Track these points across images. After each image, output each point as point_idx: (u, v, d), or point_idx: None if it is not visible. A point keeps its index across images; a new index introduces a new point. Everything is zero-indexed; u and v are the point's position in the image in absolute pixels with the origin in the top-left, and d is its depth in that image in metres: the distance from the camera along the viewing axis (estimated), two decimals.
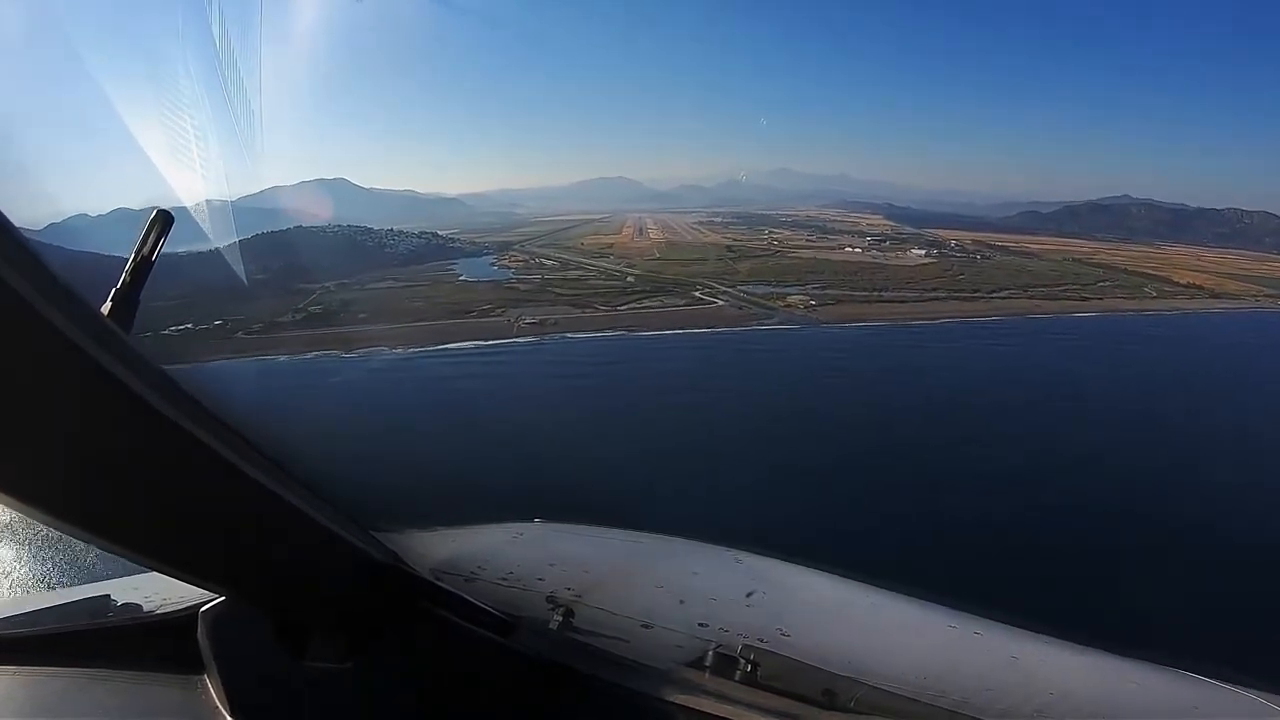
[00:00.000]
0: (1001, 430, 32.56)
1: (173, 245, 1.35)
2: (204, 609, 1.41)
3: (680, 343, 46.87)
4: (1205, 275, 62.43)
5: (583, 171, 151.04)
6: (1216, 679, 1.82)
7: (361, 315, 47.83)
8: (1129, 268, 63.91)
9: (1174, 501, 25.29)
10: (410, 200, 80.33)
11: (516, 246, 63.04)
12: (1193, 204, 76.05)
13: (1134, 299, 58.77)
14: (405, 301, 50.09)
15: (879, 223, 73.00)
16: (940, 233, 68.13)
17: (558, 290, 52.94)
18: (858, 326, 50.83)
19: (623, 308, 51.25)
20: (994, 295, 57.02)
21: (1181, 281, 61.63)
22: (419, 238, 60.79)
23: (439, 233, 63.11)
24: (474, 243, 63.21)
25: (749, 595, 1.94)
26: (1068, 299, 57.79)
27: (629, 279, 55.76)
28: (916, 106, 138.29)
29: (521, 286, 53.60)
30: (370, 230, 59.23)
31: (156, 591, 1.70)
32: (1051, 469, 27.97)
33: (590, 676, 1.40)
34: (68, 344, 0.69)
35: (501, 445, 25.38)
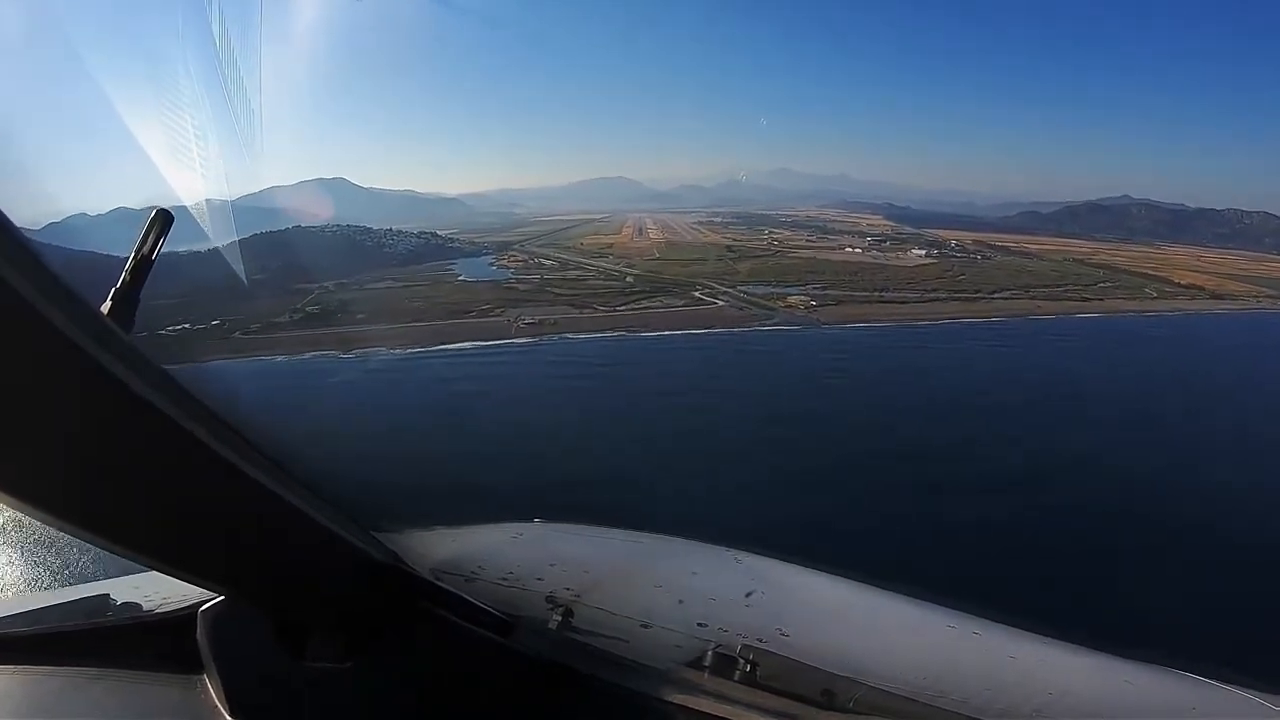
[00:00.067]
0: (1003, 431, 32.57)
1: (172, 244, 1.35)
2: (203, 608, 1.41)
3: (680, 343, 46.82)
4: (1205, 276, 62.51)
5: (582, 171, 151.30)
6: (1215, 679, 1.82)
7: (360, 315, 47.82)
8: (1129, 268, 64.01)
9: (1176, 502, 25.30)
10: (410, 200, 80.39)
11: (516, 246, 63.07)
12: (1192, 204, 76.28)
13: (1135, 299, 58.85)
14: (404, 301, 50.10)
15: (879, 223, 73.05)
16: (940, 233, 68.19)
17: (557, 290, 52.95)
18: (858, 327, 50.82)
19: (622, 308, 51.25)
20: (995, 296, 57.08)
21: (1182, 282, 61.71)
22: (418, 238, 60.80)
23: (438, 233, 63.14)
24: (473, 243, 63.24)
25: (748, 595, 1.94)
26: (1069, 299, 57.86)
27: (628, 279, 55.77)
28: (916, 106, 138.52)
29: (520, 286, 53.62)
30: (369, 230, 59.24)
31: (156, 591, 1.70)
32: (1053, 470, 27.95)
33: (589, 676, 1.40)
34: (68, 343, 0.69)
35: (499, 447, 25.38)
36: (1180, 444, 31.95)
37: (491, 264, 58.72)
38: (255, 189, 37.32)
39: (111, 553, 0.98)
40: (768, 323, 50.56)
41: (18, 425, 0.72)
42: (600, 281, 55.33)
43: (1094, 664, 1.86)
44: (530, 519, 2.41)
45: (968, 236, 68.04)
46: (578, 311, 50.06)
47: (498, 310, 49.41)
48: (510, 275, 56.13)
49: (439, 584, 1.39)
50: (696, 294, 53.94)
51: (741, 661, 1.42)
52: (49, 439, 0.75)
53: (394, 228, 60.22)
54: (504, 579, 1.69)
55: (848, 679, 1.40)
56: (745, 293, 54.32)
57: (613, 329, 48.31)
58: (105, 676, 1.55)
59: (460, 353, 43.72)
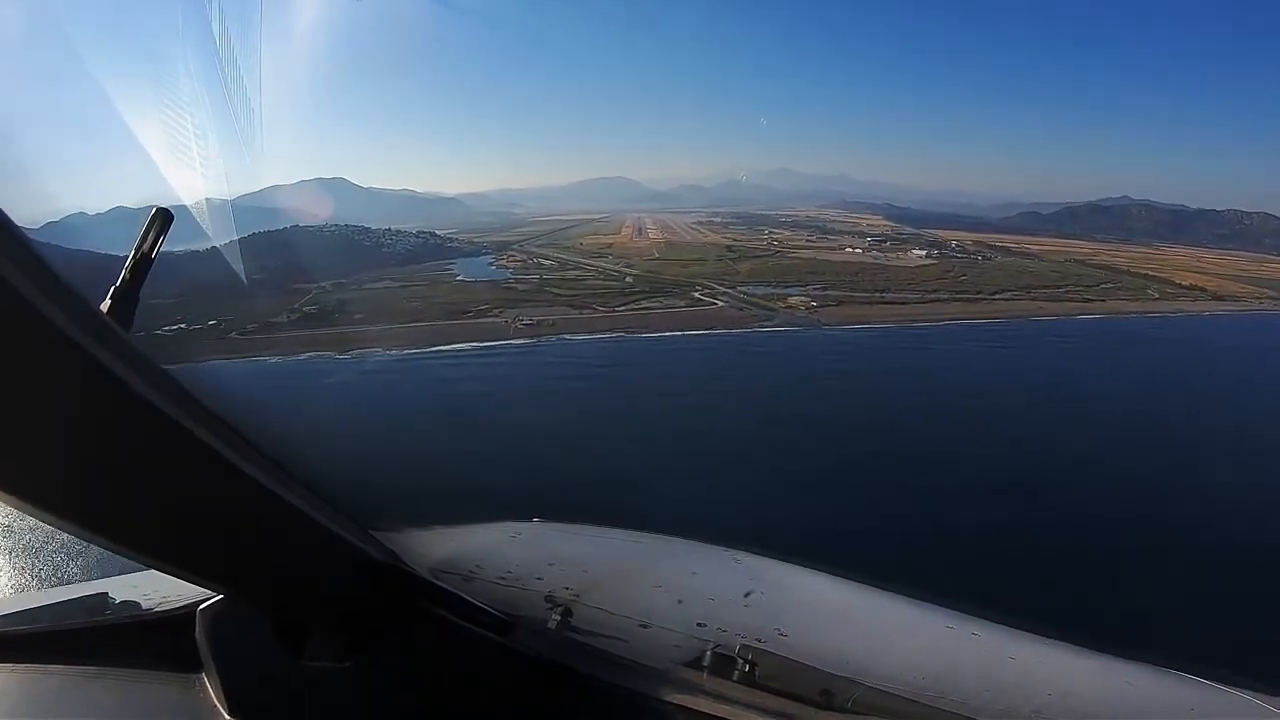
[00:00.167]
0: (1005, 433, 32.55)
1: (170, 244, 1.35)
2: (202, 607, 1.41)
3: (680, 344, 46.72)
4: (1206, 277, 62.54)
5: (582, 171, 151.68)
6: (1215, 680, 1.82)
7: (357, 316, 47.71)
8: (1131, 269, 64.00)
9: (1178, 504, 25.29)
10: (409, 200, 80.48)
11: (515, 246, 63.10)
12: (1192, 205, 76.38)
13: (1137, 301, 58.86)
14: (402, 302, 50.07)
15: (879, 223, 73.09)
16: (940, 233, 68.20)
17: (556, 291, 52.90)
18: (859, 328, 50.77)
19: (621, 309, 51.19)
20: (996, 297, 57.06)
21: (1183, 283, 61.73)
22: (417, 237, 60.82)
23: (437, 232, 63.18)
24: (472, 242, 63.26)
25: (747, 595, 1.94)
26: (1070, 300, 57.86)
27: (628, 279, 55.75)
28: (916, 106, 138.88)
29: (519, 287, 53.61)
30: (368, 230, 59.25)
31: (155, 589, 1.70)
32: (1055, 472, 27.97)
33: (588, 676, 1.40)
34: (68, 342, 0.69)
35: (496, 450, 25.27)
36: (1183, 445, 31.96)
37: (490, 264, 58.75)
38: (254, 188, 37.32)
39: (110, 551, 0.98)
40: (768, 324, 50.53)
41: (17, 424, 0.72)
42: (599, 282, 55.31)
43: (1094, 665, 1.86)
44: (529, 519, 2.41)
45: (968, 237, 68.08)
46: (577, 312, 50.03)
47: (496, 311, 49.33)
48: (509, 275, 56.16)
49: (438, 583, 1.39)
50: (696, 294, 53.92)
51: (740, 661, 1.42)
52: (48, 437, 0.75)
53: (392, 227, 60.25)
54: (503, 578, 1.68)
55: (846, 679, 1.40)
56: (745, 293, 54.30)
57: (612, 330, 48.25)
58: (104, 675, 1.55)
59: (457, 354, 43.63)
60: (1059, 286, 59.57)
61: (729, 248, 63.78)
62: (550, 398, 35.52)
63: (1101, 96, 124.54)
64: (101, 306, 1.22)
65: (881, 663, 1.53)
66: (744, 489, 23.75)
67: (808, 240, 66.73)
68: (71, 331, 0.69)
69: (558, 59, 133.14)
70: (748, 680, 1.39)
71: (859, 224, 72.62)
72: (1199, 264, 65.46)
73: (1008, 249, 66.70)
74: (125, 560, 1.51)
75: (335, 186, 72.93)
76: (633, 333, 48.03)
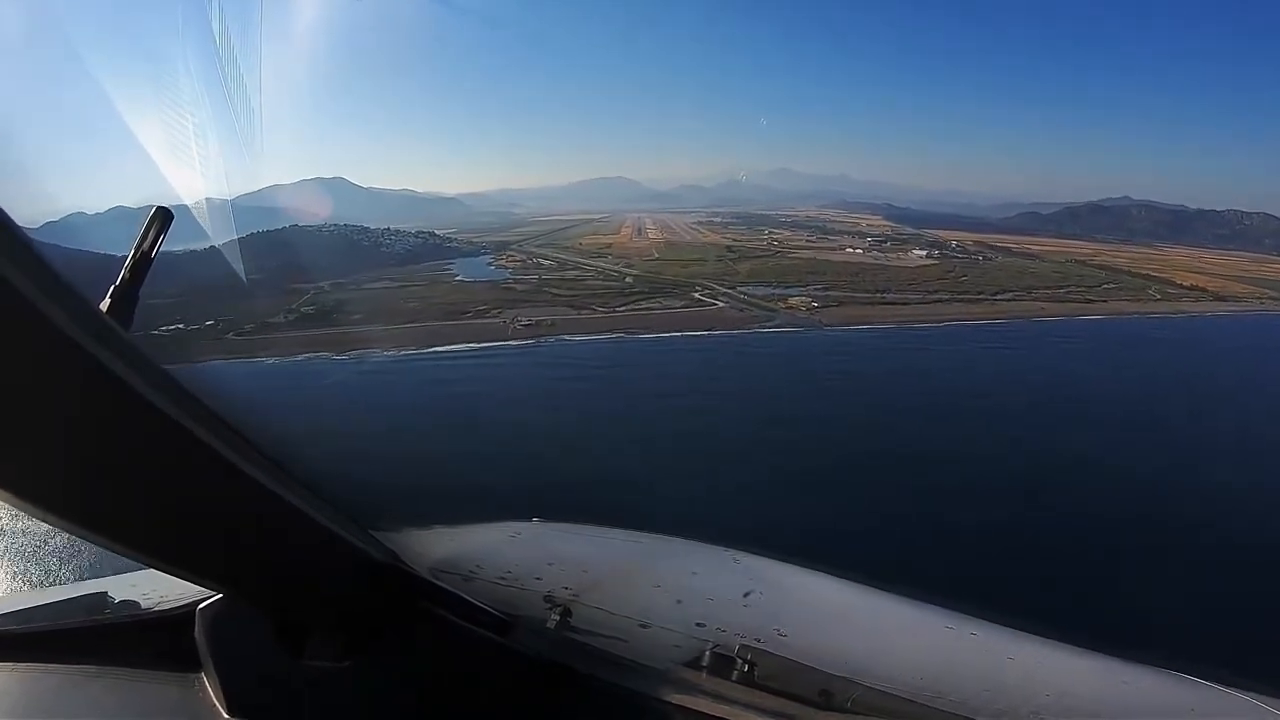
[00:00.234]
0: (1006, 434, 32.48)
1: (169, 244, 1.35)
2: (201, 607, 1.41)
3: (680, 345, 46.56)
4: (1208, 277, 62.49)
5: (582, 171, 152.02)
6: (1214, 681, 1.82)
7: (355, 316, 47.55)
8: (1132, 270, 63.92)
9: (1179, 505, 25.26)
10: (408, 199, 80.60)
11: (514, 246, 63.07)
12: (1193, 205, 76.41)
13: (1139, 301, 58.81)
14: (400, 302, 49.98)
15: (879, 223, 73.11)
16: (940, 233, 68.17)
17: (555, 291, 52.80)
18: (861, 329, 50.55)
19: (621, 309, 51.05)
20: (997, 297, 56.95)
21: (1185, 284, 61.65)
22: (416, 237, 60.78)
23: (436, 232, 63.16)
24: (471, 242, 63.25)
25: (746, 595, 1.94)
26: (1072, 301, 57.74)
27: (627, 279, 55.67)
28: (916, 106, 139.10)
29: (518, 287, 53.52)
30: (367, 229, 59.23)
31: (154, 588, 1.70)
32: (1057, 473, 27.93)
33: (587, 676, 1.40)
34: (68, 341, 0.69)
35: (494, 452, 25.19)
36: (1185, 446, 31.89)
37: (489, 264, 58.71)
38: (254, 188, 37.32)
39: (110, 550, 0.98)
40: (769, 324, 50.33)
41: (17, 423, 0.72)
42: (599, 282, 55.21)
43: (1093, 665, 1.86)
44: (528, 519, 2.41)
45: (968, 237, 68.09)
46: (576, 312, 49.85)
47: (495, 311, 49.18)
48: (508, 275, 56.11)
49: (437, 583, 1.39)
50: (696, 295, 53.80)
51: (739, 661, 1.42)
52: (48, 436, 0.75)
53: (391, 227, 60.20)
54: (502, 578, 1.68)
55: (845, 679, 1.40)
56: (745, 293, 54.20)
57: (611, 330, 48.10)
58: (103, 674, 1.55)
59: (455, 354, 43.41)
60: (1060, 287, 59.45)
61: (729, 248, 63.76)
62: (549, 399, 35.44)
63: (1101, 96, 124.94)
64: (101, 306, 1.22)
65: (880, 663, 1.53)
66: (744, 489, 23.72)
67: (808, 240, 66.72)
68: (72, 331, 0.69)
69: (558, 59, 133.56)
70: (747, 680, 1.38)
71: (859, 224, 72.63)
72: (1200, 264, 65.43)
73: (1008, 249, 66.68)
74: (124, 559, 1.51)
75: (335, 186, 73.10)
76: (632, 333, 47.85)
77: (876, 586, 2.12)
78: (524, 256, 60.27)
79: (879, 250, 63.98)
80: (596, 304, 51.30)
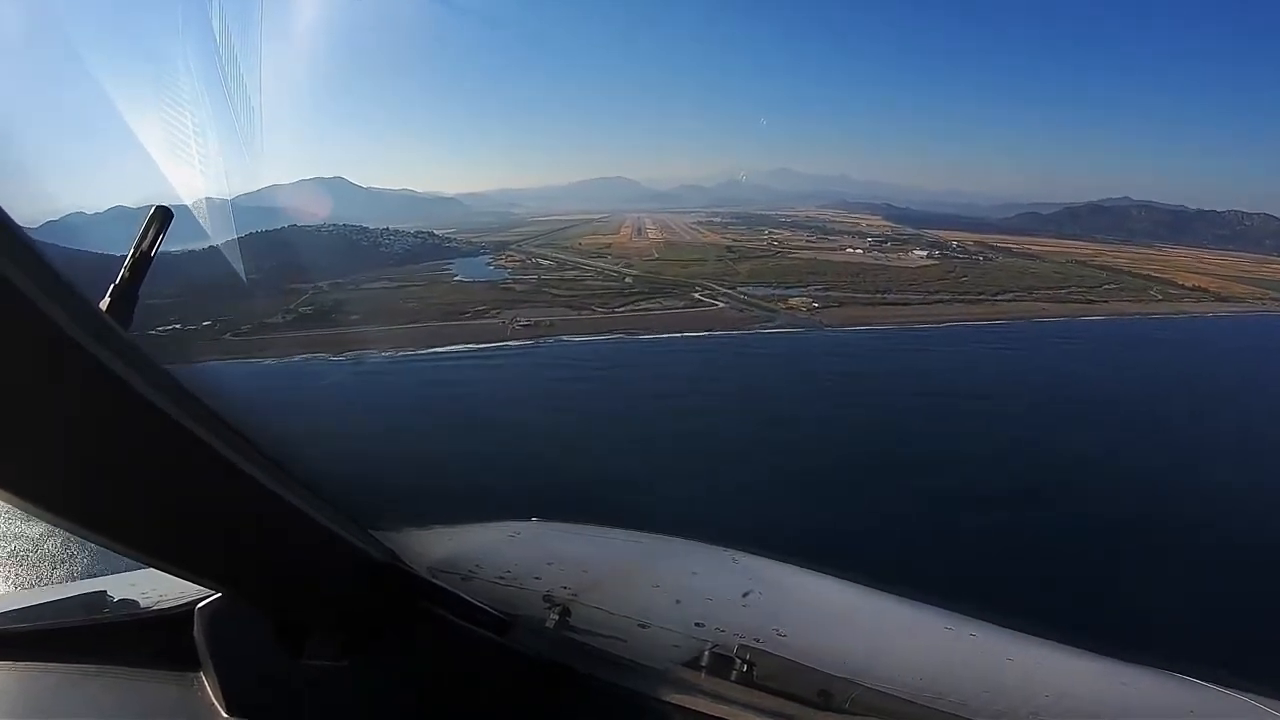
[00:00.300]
0: (1007, 434, 32.41)
1: (168, 243, 1.34)
2: (200, 606, 1.41)
3: (680, 346, 46.36)
4: (1209, 278, 62.30)
5: (582, 171, 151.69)
6: (1214, 682, 1.82)
7: (353, 317, 47.33)
8: (1133, 270, 63.75)
9: (1180, 506, 25.22)
10: (408, 199, 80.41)
11: (513, 246, 62.92)
12: (1193, 206, 76.30)
13: (1140, 302, 58.61)
14: (398, 302, 49.78)
15: (878, 223, 73.01)
16: (940, 234, 68.11)
17: (554, 291, 52.64)
18: (862, 330, 50.32)
19: (620, 309, 50.85)
20: (999, 298, 56.78)
21: (1187, 284, 61.47)
22: (415, 237, 60.64)
23: (435, 232, 62.99)
24: (471, 242, 63.10)
25: (745, 595, 1.94)
26: (1074, 302, 57.56)
27: (627, 280, 55.51)
28: (916, 106, 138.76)
29: (517, 287, 53.35)
30: (365, 229, 59.05)
31: (153, 588, 1.70)
32: (1058, 474, 27.89)
33: (586, 675, 1.40)
34: (68, 341, 0.69)
35: (490, 456, 25.05)
36: (1188, 447, 31.81)
37: (488, 264, 58.57)
38: (254, 188, 37.23)
39: (109, 549, 0.98)
40: (769, 325, 50.11)
41: (17, 422, 0.72)
42: (598, 282, 55.05)
43: (1092, 666, 1.86)
44: (527, 518, 2.41)
45: (968, 237, 67.93)
46: (575, 313, 49.64)
47: (493, 311, 48.97)
48: (507, 275, 55.96)
49: (436, 583, 1.39)
50: (696, 295, 53.64)
51: (738, 661, 1.42)
52: (48, 436, 0.75)
53: (390, 227, 60.05)
54: (501, 578, 1.68)
55: (845, 680, 1.40)
56: (746, 294, 54.06)
57: (610, 331, 47.91)
58: (102, 673, 1.55)
59: (453, 356, 43.22)
60: (1061, 287, 59.28)
61: (729, 248, 63.59)
62: (548, 399, 35.37)
63: (1101, 96, 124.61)
64: (100, 305, 1.22)
65: (880, 663, 1.53)
66: (744, 490, 23.68)
67: (808, 240, 66.54)
68: (72, 330, 0.69)
69: (558, 59, 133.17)
70: (746, 680, 1.39)
71: (859, 224, 72.48)
72: (1201, 265, 65.33)
73: (1009, 249, 66.55)
74: (123, 558, 1.51)
75: (334, 186, 72.90)
76: (632, 334, 47.70)
77: (876, 587, 2.12)
78: (523, 256, 60.14)
79: (879, 250, 63.84)
80: (596, 304, 51.12)
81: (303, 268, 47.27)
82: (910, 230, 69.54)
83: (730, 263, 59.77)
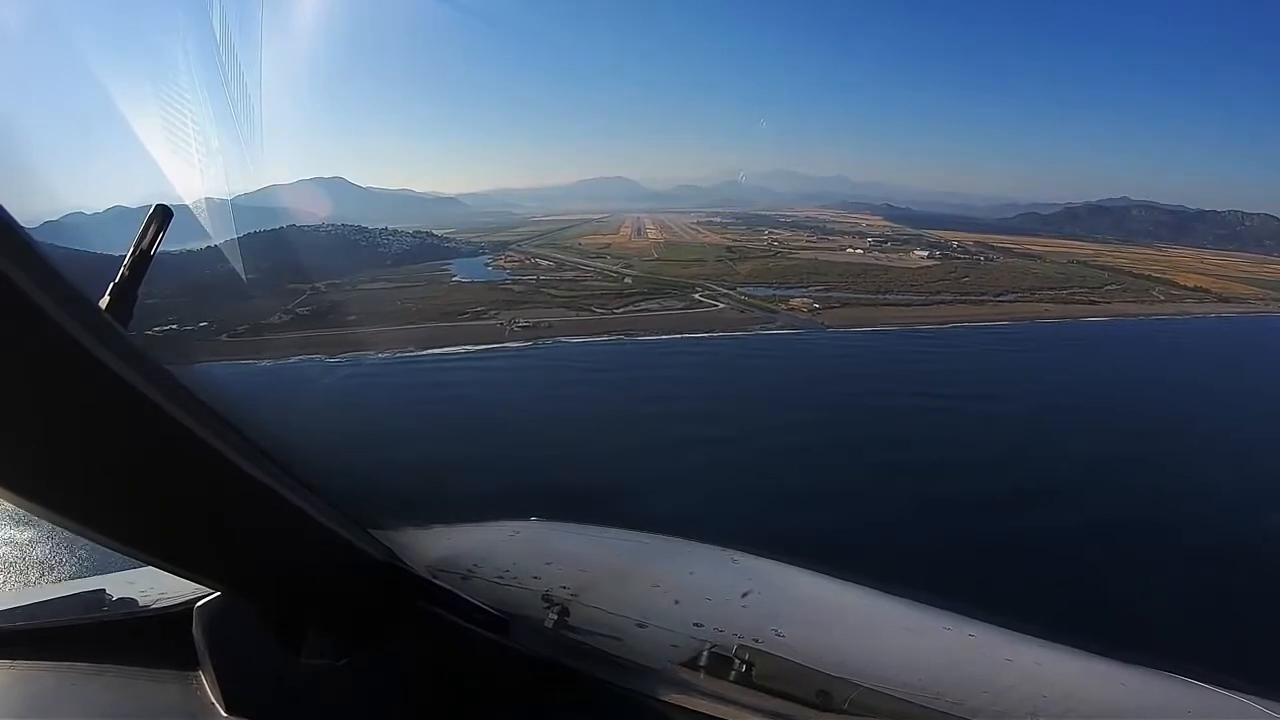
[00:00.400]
0: (1010, 436, 32.34)
1: (167, 243, 1.35)
2: (199, 605, 1.41)
3: (680, 347, 46.12)
4: (1210, 278, 62.22)
5: (581, 171, 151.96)
6: (1214, 682, 1.82)
7: (351, 317, 46.97)
8: (1134, 270, 63.65)
9: (1183, 507, 25.17)
10: (407, 199, 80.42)
11: (513, 246, 62.79)
12: (1193, 206, 76.28)
13: (1142, 302, 58.48)
14: (397, 303, 49.54)
15: (878, 224, 72.95)
16: (941, 234, 68.05)
17: (553, 291, 52.42)
18: (864, 331, 50.04)
19: (620, 310, 50.59)
20: (1001, 299, 56.67)
21: (1188, 285, 61.37)
22: (414, 237, 60.48)
23: (435, 232, 62.80)
24: (470, 242, 62.95)
25: (744, 595, 1.94)
26: (1076, 302, 57.41)
27: (626, 280, 55.34)
28: (916, 106, 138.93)
29: (516, 288, 53.15)
30: (364, 229, 58.86)
31: (152, 586, 1.70)
32: (1062, 476, 27.82)
33: (585, 675, 1.40)
34: (68, 340, 0.70)
35: (489, 455, 24.97)
36: (1189, 448, 31.78)
37: (488, 264, 58.44)
38: (253, 188, 37.19)
39: (107, 547, 0.98)
40: (771, 326, 49.83)
41: (17, 421, 0.72)
42: (598, 283, 54.86)
43: (1091, 667, 1.86)
44: (526, 518, 2.41)
45: (969, 238, 67.87)
46: (574, 314, 49.38)
47: (492, 312, 48.69)
48: (506, 276, 55.78)
49: (435, 582, 1.39)
50: (696, 295, 53.45)
51: (737, 661, 1.42)
52: (48, 435, 0.75)
53: (389, 227, 59.91)
54: (500, 577, 1.69)
55: (843, 680, 1.40)
56: (746, 295, 53.85)
57: (610, 332, 47.63)
58: (100, 672, 1.55)
59: (452, 356, 42.88)
60: (1063, 288, 59.11)
61: (729, 248, 63.43)
62: (548, 399, 35.34)
63: (1102, 96, 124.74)
64: (99, 303, 1.22)
65: (878, 663, 1.53)
66: (744, 490, 23.68)
67: (808, 241, 66.41)
68: (72, 330, 0.69)
69: (557, 58, 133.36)
70: (744, 680, 1.39)
71: (859, 224, 72.39)
72: (1202, 265, 65.26)
73: (1010, 250, 66.43)
74: (122, 556, 1.51)
75: (334, 186, 72.88)
76: (632, 335, 47.46)
77: (875, 587, 2.12)
78: (523, 257, 60.01)
79: (880, 251, 63.71)
80: (595, 305, 50.88)
81: (302, 268, 47.08)
82: (911, 230, 69.46)
83: (730, 263, 59.61)
